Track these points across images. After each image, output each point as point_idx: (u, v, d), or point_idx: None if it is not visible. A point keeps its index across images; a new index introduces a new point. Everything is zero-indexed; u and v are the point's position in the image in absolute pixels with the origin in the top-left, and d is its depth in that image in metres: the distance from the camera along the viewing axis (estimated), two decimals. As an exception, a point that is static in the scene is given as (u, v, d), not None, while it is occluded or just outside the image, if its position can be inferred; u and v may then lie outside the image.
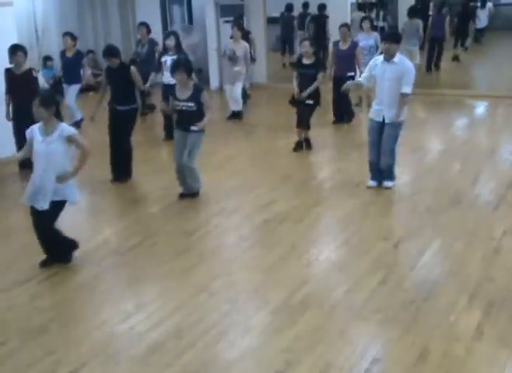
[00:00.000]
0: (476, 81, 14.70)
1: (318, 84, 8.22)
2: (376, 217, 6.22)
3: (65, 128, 5.05)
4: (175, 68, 6.49)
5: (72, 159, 5.20)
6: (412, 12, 12.81)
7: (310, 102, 8.26)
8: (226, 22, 12.81)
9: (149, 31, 10.62)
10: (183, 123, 6.62)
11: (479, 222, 5.99)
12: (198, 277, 5.10)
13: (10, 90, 7.84)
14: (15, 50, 7.69)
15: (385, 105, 6.62)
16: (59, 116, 5.18)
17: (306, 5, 15.97)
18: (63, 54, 10.10)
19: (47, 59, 13.68)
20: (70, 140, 5.03)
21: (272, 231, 5.99)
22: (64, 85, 10.29)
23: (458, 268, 5.06)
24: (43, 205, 5.03)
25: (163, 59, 9.03)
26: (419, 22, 12.66)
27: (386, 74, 6.56)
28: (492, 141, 8.98)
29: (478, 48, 17.93)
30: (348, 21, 12.24)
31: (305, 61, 8.25)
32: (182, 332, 4.26)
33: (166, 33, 9.51)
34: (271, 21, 14.31)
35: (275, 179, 7.47)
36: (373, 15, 15.34)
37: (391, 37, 6.65)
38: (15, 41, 8.17)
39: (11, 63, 7.75)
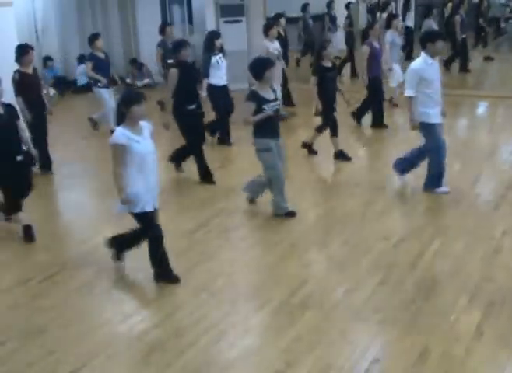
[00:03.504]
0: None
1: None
2: (376, 217, 6.22)
3: (146, 124, 4.80)
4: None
5: None
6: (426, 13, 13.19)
7: None
8: (226, 22, 12.81)
9: None
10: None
11: (479, 222, 5.99)
12: (198, 277, 5.10)
13: None
14: None
15: None
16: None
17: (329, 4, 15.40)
18: None
19: (47, 59, 13.68)
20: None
21: (272, 231, 5.99)
22: None
23: (458, 268, 5.06)
24: (156, 205, 4.91)
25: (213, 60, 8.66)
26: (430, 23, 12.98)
27: None
28: (492, 141, 8.97)
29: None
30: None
31: None
32: (182, 332, 4.27)
33: (216, 34, 8.99)
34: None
35: (275, 179, 7.44)
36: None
37: None
38: (15, 41, 8.15)
39: None
